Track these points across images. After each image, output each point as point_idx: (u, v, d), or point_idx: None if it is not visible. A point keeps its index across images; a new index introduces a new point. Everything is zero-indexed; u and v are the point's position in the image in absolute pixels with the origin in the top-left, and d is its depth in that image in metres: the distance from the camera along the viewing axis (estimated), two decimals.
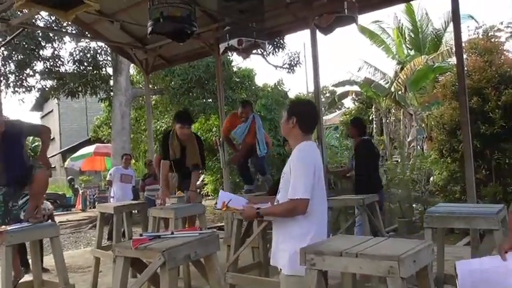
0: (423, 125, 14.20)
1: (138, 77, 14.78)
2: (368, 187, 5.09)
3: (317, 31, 6.03)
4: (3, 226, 3.80)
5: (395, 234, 7.88)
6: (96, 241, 5.26)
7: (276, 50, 12.59)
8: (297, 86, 69.52)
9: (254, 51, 6.37)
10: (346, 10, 4.32)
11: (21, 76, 12.10)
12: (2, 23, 6.32)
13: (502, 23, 10.10)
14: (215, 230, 8.10)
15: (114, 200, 8.45)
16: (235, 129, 6.22)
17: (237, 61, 14.17)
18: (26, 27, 7.84)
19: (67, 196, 18.68)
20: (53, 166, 31.47)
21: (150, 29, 4.91)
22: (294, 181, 2.44)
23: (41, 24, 11.52)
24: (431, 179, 9.19)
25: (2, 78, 11.72)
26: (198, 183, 13.19)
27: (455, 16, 5.20)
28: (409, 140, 14.20)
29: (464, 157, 5.09)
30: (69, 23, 10.06)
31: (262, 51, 9.87)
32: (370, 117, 16.31)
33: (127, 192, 8.66)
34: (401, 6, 14.55)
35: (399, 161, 12.77)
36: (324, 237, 2.51)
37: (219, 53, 6.24)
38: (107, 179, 9.23)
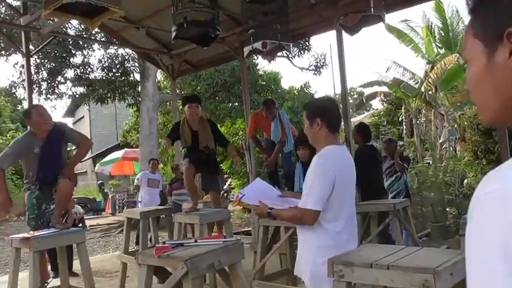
0: (455, 125, 13.76)
1: (165, 82, 14.92)
2: (368, 193, 4.95)
3: (343, 31, 5.96)
4: (31, 232, 3.84)
5: (428, 239, 7.62)
6: (124, 246, 5.27)
7: (302, 52, 12.47)
8: (324, 87, 68.94)
9: (279, 53, 6.30)
10: (372, 9, 4.16)
11: (53, 83, 12.40)
12: (34, 32, 6.50)
13: None
14: (241, 235, 8.06)
15: (142, 204, 8.51)
16: (272, 133, 6.13)
17: (263, 64, 14.15)
18: (57, 35, 8.03)
19: (97, 200, 19.02)
20: (84, 171, 32.22)
21: (174, 34, 4.89)
22: (308, 190, 2.31)
23: (71, 32, 11.79)
24: (465, 181, 8.88)
25: (35, 86, 12.03)
26: (225, 187, 13.21)
27: None
28: (440, 141, 13.77)
29: (501, 158, 4.87)
30: (98, 30, 10.27)
31: (288, 53, 9.83)
32: (400, 119, 15.94)
33: (154, 196, 8.72)
34: (431, 4, 14.17)
35: (431, 163, 12.43)
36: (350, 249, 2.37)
37: (243, 56, 6.17)
38: (135, 183, 9.31)
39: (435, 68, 13.01)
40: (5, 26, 8.83)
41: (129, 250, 5.35)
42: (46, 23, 8.88)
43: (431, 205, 8.41)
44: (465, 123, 13.13)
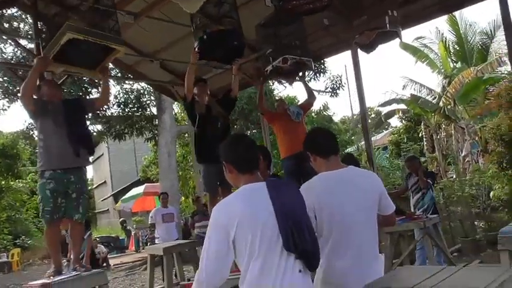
0: (476, 138, 13.51)
1: (182, 114, 15.03)
2: None
3: (358, 51, 5.90)
4: (51, 276, 3.67)
5: (459, 254, 7.38)
6: (148, 285, 5.15)
7: (317, 74, 12.47)
8: (342, 109, 68.75)
9: (297, 78, 6.19)
10: (388, 25, 4.09)
11: None
12: (47, 72, 6.52)
13: None
14: None
15: (160, 241, 8.27)
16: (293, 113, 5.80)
17: (279, 89, 14.15)
18: (71, 73, 8.12)
19: (120, 238, 18.98)
20: (105, 209, 32.39)
21: (197, 51, 4.68)
22: None
23: None
24: (492, 193, 8.62)
25: None
26: None
27: (507, 22, 4.85)
28: (463, 155, 13.47)
29: None
30: (112, 66, 10.44)
31: (306, 74, 9.74)
32: (420, 135, 15.70)
33: (172, 231, 8.53)
34: (444, 18, 14.16)
35: (454, 177, 12.13)
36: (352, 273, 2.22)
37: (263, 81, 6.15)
38: (149, 222, 8.95)
39: (453, 82, 12.88)
40: (19, 67, 8.98)
41: None
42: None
43: (459, 220, 8.19)
44: (487, 135, 12.92)
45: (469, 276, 1.90)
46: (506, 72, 12.96)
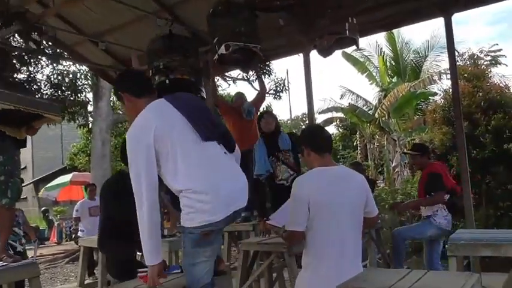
0: (405, 150, 14.27)
1: (118, 102, 14.40)
2: None
3: (310, 55, 5.96)
4: None
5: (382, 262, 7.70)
6: (79, 278, 4.82)
7: (264, 75, 12.47)
8: (281, 111, 69.75)
9: (239, 76, 6.05)
10: (347, 31, 4.15)
11: None
12: None
13: (481, 52, 10.26)
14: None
15: (85, 234, 7.75)
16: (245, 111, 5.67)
17: (223, 87, 14.00)
18: (3, 46, 7.44)
19: (41, 228, 17.85)
20: (24, 197, 30.27)
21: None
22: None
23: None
24: None
25: None
26: None
27: (450, 42, 5.15)
28: (393, 165, 14.20)
29: (462, 181, 4.96)
30: (47, 45, 9.72)
31: (247, 77, 9.67)
32: (355, 143, 16.31)
33: (97, 225, 8.06)
34: (383, 34, 14.85)
35: (383, 185, 12.71)
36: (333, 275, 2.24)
37: (208, 76, 5.98)
38: (74, 216, 8.41)
39: (388, 95, 13.50)
40: None
41: (86, 282, 4.92)
42: None
43: (390, 227, 8.51)
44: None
45: (439, 279, 1.92)
46: (437, 89, 13.93)
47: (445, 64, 13.48)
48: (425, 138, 9.25)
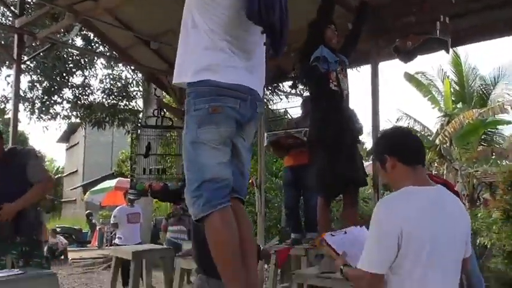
0: (466, 181, 13.20)
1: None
2: None
3: (378, 66, 5.31)
4: None
5: None
6: None
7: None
8: None
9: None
10: (438, 32, 3.45)
11: (47, 102, 11.54)
12: (28, 36, 5.68)
13: None
14: None
15: (123, 242, 7.40)
16: None
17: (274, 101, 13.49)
18: (54, 42, 7.31)
19: (83, 231, 17.97)
20: (73, 199, 30.94)
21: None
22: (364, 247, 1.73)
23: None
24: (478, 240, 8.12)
25: (27, 103, 11.24)
26: None
27: None
28: None
29: None
30: (104, 47, 9.68)
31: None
32: None
33: (135, 233, 7.64)
34: (448, 58, 14.11)
35: None
36: None
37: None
38: (112, 222, 8.00)
39: (452, 121, 12.61)
40: None
41: None
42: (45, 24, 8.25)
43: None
44: (474, 180, 12.65)
45: None
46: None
47: None
48: (504, 168, 8.33)
